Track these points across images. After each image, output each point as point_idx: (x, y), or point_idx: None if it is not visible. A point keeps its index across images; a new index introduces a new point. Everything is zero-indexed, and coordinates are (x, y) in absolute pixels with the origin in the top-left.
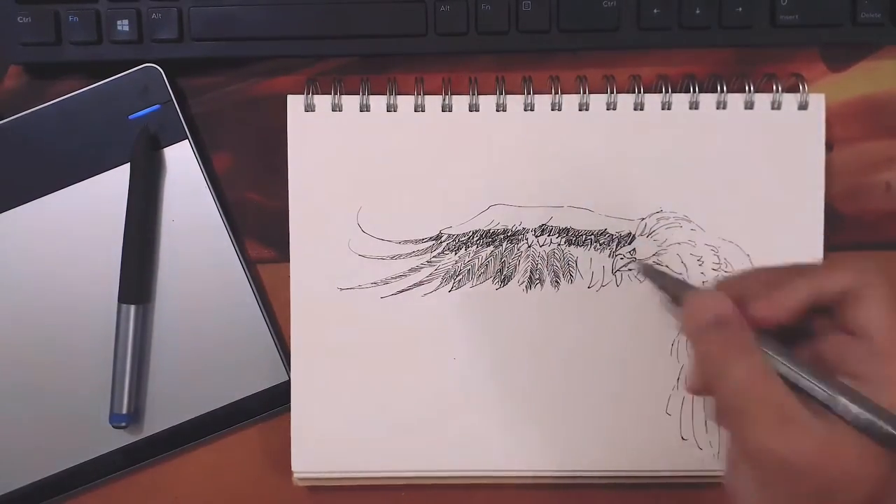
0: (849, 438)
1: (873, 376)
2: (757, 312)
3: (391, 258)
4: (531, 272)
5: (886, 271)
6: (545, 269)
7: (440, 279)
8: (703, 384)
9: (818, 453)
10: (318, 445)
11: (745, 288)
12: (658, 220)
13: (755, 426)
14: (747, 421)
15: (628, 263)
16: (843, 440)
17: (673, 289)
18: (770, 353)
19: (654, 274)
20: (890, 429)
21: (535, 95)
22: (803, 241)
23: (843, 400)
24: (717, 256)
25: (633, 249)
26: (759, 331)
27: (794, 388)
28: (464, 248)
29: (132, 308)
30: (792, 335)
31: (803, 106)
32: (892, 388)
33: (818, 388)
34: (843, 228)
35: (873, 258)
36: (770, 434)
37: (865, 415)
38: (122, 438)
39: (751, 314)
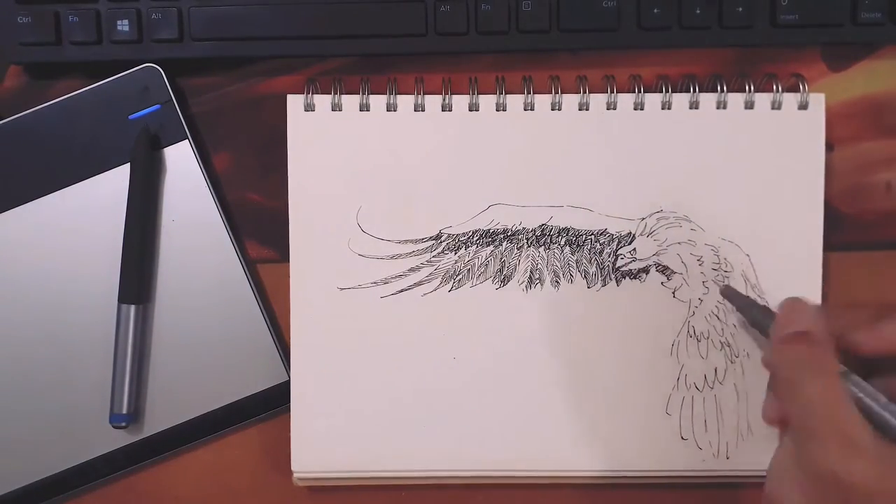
0: None
1: None
2: (859, 338)
3: (391, 258)
4: (531, 272)
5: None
6: (545, 269)
7: (440, 279)
8: (776, 399)
9: (879, 481)
10: (318, 445)
11: (846, 317)
12: (658, 220)
13: (822, 446)
14: (815, 440)
15: (628, 263)
16: None
17: (753, 313)
18: (847, 376)
19: (735, 297)
20: None
21: (535, 95)
22: (803, 241)
23: None
24: (717, 256)
25: (634, 249)
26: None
27: (868, 416)
28: (464, 248)
29: (132, 308)
30: (873, 367)
31: (803, 106)
32: None
33: (888, 417)
34: (843, 228)
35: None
36: (835, 457)
37: None
38: (122, 438)
39: (852, 340)
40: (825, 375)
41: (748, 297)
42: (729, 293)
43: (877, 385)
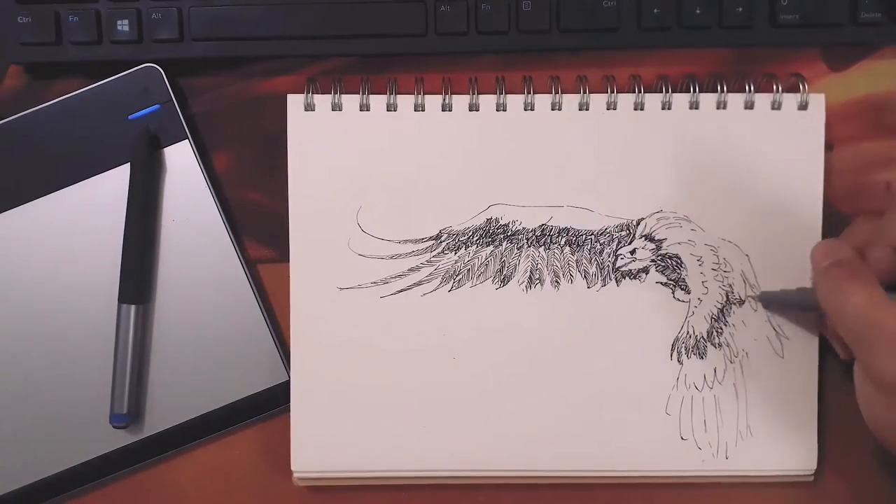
0: None
1: None
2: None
3: (391, 258)
4: (531, 272)
5: None
6: (545, 269)
7: (440, 279)
8: (836, 332)
9: None
10: (317, 445)
11: (859, 241)
12: (658, 220)
13: (874, 351)
14: (867, 346)
15: (628, 263)
16: None
17: (796, 297)
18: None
19: (773, 296)
20: None
21: (535, 95)
22: (803, 241)
23: None
24: (717, 256)
25: (634, 249)
26: None
27: None
28: (464, 248)
29: (132, 308)
30: None
31: (803, 106)
32: None
33: None
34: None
35: None
36: (888, 359)
37: None
38: (122, 438)
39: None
40: (865, 286)
41: (782, 290)
42: (765, 297)
43: None
